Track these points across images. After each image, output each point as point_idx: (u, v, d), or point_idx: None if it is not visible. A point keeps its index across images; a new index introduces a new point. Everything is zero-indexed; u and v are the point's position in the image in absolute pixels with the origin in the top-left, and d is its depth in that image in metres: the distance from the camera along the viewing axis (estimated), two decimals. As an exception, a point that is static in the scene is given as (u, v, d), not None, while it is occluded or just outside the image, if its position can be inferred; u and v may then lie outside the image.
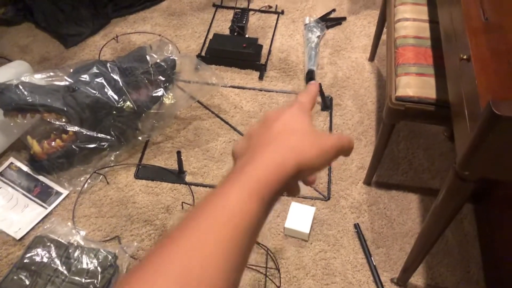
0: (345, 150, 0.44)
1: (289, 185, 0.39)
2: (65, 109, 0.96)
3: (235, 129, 1.14)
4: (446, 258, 0.93)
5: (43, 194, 0.99)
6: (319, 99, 1.18)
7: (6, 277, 0.84)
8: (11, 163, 1.04)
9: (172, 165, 1.06)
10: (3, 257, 0.90)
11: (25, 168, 1.03)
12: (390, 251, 0.94)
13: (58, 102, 0.97)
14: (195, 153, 1.09)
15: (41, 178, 1.01)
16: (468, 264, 0.92)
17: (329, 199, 1.01)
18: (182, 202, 0.98)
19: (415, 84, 0.84)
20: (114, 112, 1.00)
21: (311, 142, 0.42)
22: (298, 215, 0.95)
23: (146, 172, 1.05)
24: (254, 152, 0.40)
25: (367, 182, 1.04)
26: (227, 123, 1.15)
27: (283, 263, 0.91)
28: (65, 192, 0.99)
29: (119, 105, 0.99)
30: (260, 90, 1.23)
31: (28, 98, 0.95)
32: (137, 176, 1.04)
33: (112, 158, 1.06)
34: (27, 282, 0.82)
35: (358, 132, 1.14)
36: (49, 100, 0.96)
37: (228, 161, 1.08)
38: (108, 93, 0.99)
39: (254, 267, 0.89)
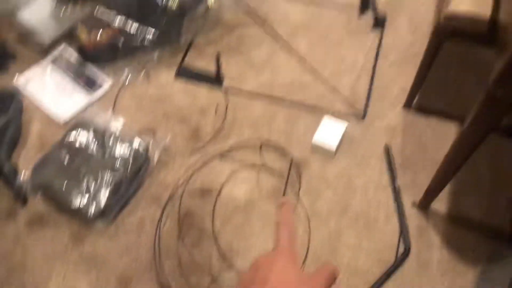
0: (332, 283, 0.45)
1: None
2: (111, 4, 0.99)
3: (279, 39, 1.12)
4: (475, 190, 0.90)
5: (89, 83, 1.04)
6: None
7: (48, 154, 0.91)
8: (63, 50, 1.09)
9: (212, 69, 1.07)
10: (48, 137, 0.97)
11: (74, 57, 1.08)
12: (417, 176, 0.92)
13: (105, -7, 0.99)
14: (236, 59, 1.09)
15: (88, 67, 1.06)
16: (496, 201, 0.89)
17: (364, 118, 0.99)
18: (217, 105, 1.00)
19: (469, 1, 0.77)
20: (160, 10, 1.00)
21: None
22: (328, 130, 0.95)
23: (186, 73, 1.07)
24: None
25: (407, 105, 1.00)
26: (272, 32, 1.13)
27: (305, 174, 0.92)
28: (108, 84, 1.04)
29: (164, 3, 1.00)
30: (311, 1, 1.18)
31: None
32: (177, 76, 1.06)
33: (155, 57, 1.08)
34: (66, 160, 0.89)
35: (407, 54, 1.08)
36: (97, -9, 0.98)
37: (268, 70, 1.07)
38: (155, -11, 0.99)
39: (276, 173, 0.91)
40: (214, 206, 0.88)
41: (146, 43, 1.03)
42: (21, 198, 0.87)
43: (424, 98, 1.01)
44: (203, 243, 0.85)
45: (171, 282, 0.80)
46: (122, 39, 1.02)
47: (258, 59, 1.09)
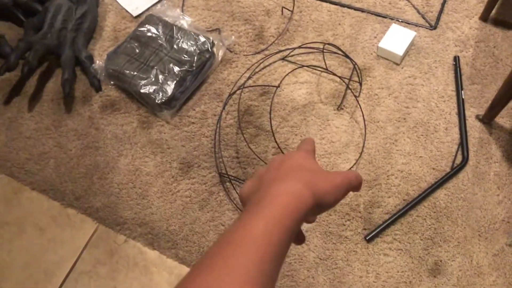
0: (354, 186, 0.43)
1: (307, 217, 0.39)
2: None
3: None
4: (547, 108, 0.85)
5: (160, -19, 1.06)
6: None
7: (121, 44, 0.96)
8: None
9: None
10: (121, 29, 1.02)
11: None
12: (484, 89, 0.88)
13: None
14: (306, -37, 1.06)
15: (159, -34, 1.08)
16: None
17: (435, 28, 0.95)
18: (282, 7, 1.00)
19: None
20: None
21: (323, 178, 0.41)
22: (396, 37, 0.92)
23: (254, -25, 1.06)
24: (269, 186, 0.40)
25: (484, 17, 0.94)
26: None
27: (367, 80, 0.91)
28: (178, -18, 1.06)
29: None
30: None
31: None
32: (246, -23, 1.06)
33: (225, -43, 1.07)
34: (137, 51, 0.94)
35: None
36: None
37: (337, -25, 1.03)
38: None
39: (337, 77, 0.91)
40: (272, 105, 0.91)
41: None
42: (96, 84, 0.93)
43: (503, 10, 0.95)
44: (260, 138, 0.88)
45: (228, 170, 0.85)
46: None
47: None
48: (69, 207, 0.87)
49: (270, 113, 0.88)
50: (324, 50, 0.94)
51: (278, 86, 0.87)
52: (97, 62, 0.94)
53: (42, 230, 0.86)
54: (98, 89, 0.94)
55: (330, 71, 0.90)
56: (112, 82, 0.95)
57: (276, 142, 0.86)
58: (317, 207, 0.40)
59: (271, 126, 0.87)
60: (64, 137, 0.92)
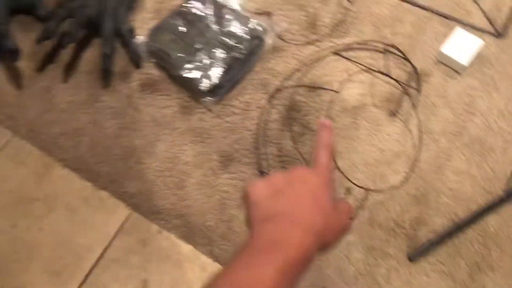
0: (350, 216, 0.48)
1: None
2: None
3: None
4: None
5: (209, -48, 0.98)
6: None
7: (165, 20, 0.90)
8: None
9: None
10: (165, 1, 0.96)
11: None
12: (549, 111, 0.84)
13: None
14: None
15: None
16: None
17: (502, 36, 0.89)
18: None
19: None
20: None
21: (333, 225, 0.44)
22: (460, 43, 0.86)
23: (312, -45, 0.98)
24: (283, 230, 0.40)
25: (556, 30, 0.88)
26: None
27: (424, 87, 0.86)
28: (229, -45, 0.98)
29: None
30: None
31: None
32: (302, -43, 0.98)
33: None
34: (182, 29, 0.88)
35: None
36: None
37: (402, -35, 0.96)
38: None
39: (393, 80, 0.86)
40: (321, 103, 0.86)
41: None
42: (136, 60, 0.88)
43: None
44: (306, 138, 0.84)
45: (269, 168, 0.82)
46: None
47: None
48: (102, 189, 0.84)
49: (319, 113, 0.83)
50: (385, 52, 0.88)
51: (337, 92, 0.82)
52: (140, 37, 0.89)
53: (72, 211, 0.83)
54: (138, 66, 0.89)
55: (391, 77, 0.85)
56: (153, 60, 0.90)
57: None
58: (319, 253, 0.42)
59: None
60: (100, 114, 0.88)
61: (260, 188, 0.44)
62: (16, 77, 0.91)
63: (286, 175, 0.47)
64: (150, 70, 0.90)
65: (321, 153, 0.50)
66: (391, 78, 0.85)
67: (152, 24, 0.93)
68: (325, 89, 0.85)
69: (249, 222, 0.45)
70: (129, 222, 0.82)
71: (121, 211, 0.82)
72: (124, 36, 0.88)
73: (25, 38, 0.94)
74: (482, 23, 0.91)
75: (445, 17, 0.91)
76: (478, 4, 0.92)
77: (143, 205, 0.82)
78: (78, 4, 0.86)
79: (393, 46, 0.87)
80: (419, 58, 0.88)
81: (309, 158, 0.83)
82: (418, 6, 0.92)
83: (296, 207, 0.42)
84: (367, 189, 0.78)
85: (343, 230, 0.45)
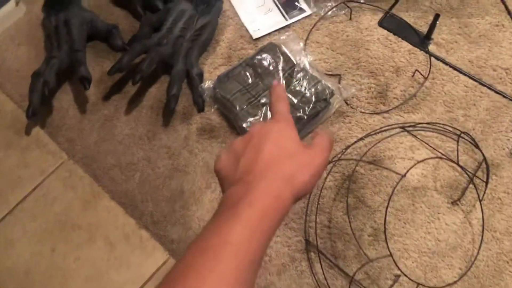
0: (330, 152, 0.43)
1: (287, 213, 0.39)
2: None
3: (509, 12, 0.95)
4: None
5: (288, 5, 0.98)
6: None
7: (235, 68, 0.90)
8: (271, -38, 1.03)
9: (422, 26, 0.95)
10: (237, 49, 0.95)
11: (281, -27, 1.02)
12: None
13: None
14: (451, 23, 0.95)
15: (292, -12, 1.00)
16: None
17: None
18: (416, 70, 0.90)
19: None
20: None
21: (304, 165, 0.40)
22: (539, 140, 0.81)
23: (391, 23, 0.96)
24: (247, 185, 0.38)
25: None
26: (503, 2, 0.96)
27: (493, 179, 0.81)
28: (308, 11, 0.97)
29: None
30: None
31: None
32: (381, 24, 0.96)
33: (364, -5, 0.98)
34: (250, 81, 0.87)
35: None
36: None
37: (484, 46, 0.92)
38: None
39: (460, 167, 0.82)
40: (380, 178, 0.82)
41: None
42: (200, 104, 0.88)
43: None
44: (359, 213, 0.80)
45: (317, 239, 0.79)
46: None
47: (477, 29, 0.94)
48: (144, 228, 0.83)
49: (386, 210, 0.80)
50: (459, 137, 0.83)
51: (404, 176, 0.78)
52: (207, 82, 0.88)
53: (111, 245, 0.82)
54: (201, 109, 0.88)
55: (459, 164, 0.80)
56: (216, 106, 0.89)
57: (373, 226, 0.78)
58: (296, 200, 0.40)
59: (385, 223, 0.80)
60: (155, 152, 0.88)
61: (223, 160, 0.43)
62: (81, 102, 0.92)
63: (244, 137, 0.45)
64: (212, 115, 0.90)
65: (277, 104, 0.48)
66: (458, 165, 0.81)
67: (221, 70, 0.93)
68: (390, 170, 0.81)
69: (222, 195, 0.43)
70: (165, 267, 0.80)
71: (159, 255, 0.81)
72: (193, 79, 0.88)
73: (96, 64, 0.96)
74: None
75: (525, 108, 0.86)
76: (562, 100, 0.87)
77: (183, 252, 0.80)
78: (154, 42, 0.87)
79: (465, 133, 0.83)
80: (491, 147, 0.84)
81: (359, 234, 0.79)
82: (496, 92, 0.88)
83: (259, 161, 0.40)
84: (418, 283, 0.73)
85: (319, 167, 0.41)
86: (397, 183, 0.80)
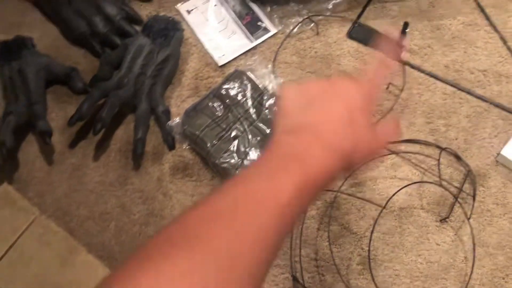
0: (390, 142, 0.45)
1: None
2: None
3: (482, 10, 0.91)
4: None
5: (252, 26, 0.94)
6: None
7: (202, 100, 0.86)
8: (230, -18, 0.99)
9: (392, 34, 0.91)
10: (203, 78, 0.91)
11: (241, -8, 0.97)
12: None
13: None
14: (423, 26, 0.91)
15: (254, 7, 0.95)
16: None
17: None
18: (390, 83, 0.86)
19: None
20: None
21: (365, 146, 0.39)
22: (523, 146, 0.77)
23: (360, 33, 0.92)
24: (307, 143, 0.36)
25: None
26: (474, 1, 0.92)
27: (480, 191, 0.78)
28: (273, 30, 0.93)
29: None
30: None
31: None
32: (350, 35, 0.92)
33: (330, 6, 0.94)
34: (219, 113, 0.83)
35: None
36: None
37: (459, 48, 0.88)
38: None
39: (446, 182, 0.78)
40: (363, 202, 0.79)
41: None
42: (170, 142, 0.84)
43: None
44: (345, 241, 0.77)
45: (304, 274, 0.75)
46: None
47: (449, 31, 0.90)
48: (125, 281, 0.79)
49: (370, 239, 0.76)
50: (440, 153, 0.80)
51: (384, 207, 0.75)
52: (176, 119, 0.85)
53: (94, 302, 0.79)
54: (171, 148, 0.85)
55: (443, 179, 0.77)
56: (187, 143, 0.85)
57: (360, 254, 0.75)
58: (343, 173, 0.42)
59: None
60: (129, 198, 0.84)
61: (291, 93, 0.40)
62: (47, 152, 0.88)
63: (323, 84, 0.41)
64: (184, 152, 0.86)
65: (375, 68, 0.45)
66: (442, 186, 0.77)
67: (189, 102, 0.89)
68: (371, 202, 0.78)
69: (274, 129, 0.40)
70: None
71: (143, 308, 0.78)
72: (159, 117, 0.85)
73: (59, 110, 0.92)
74: (549, 119, 0.82)
75: (507, 110, 0.83)
76: (544, 98, 0.83)
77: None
78: (113, 84, 0.83)
79: (446, 148, 0.79)
80: (476, 157, 0.80)
81: (347, 264, 0.76)
82: (476, 96, 0.84)
83: (327, 125, 0.38)
84: (411, 314, 0.70)
85: (373, 153, 0.42)
86: (378, 215, 0.76)
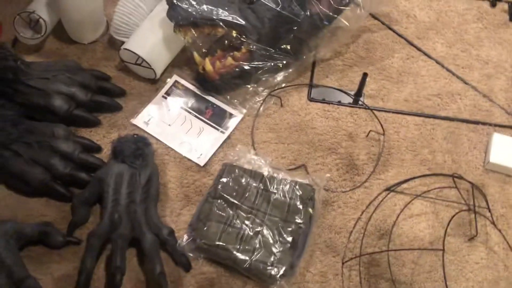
0: None
1: None
2: (244, 23, 0.86)
3: (411, 44, 1.01)
4: None
5: (217, 117, 0.92)
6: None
7: (202, 207, 0.81)
8: (176, 81, 0.96)
9: (347, 86, 0.96)
10: (190, 183, 0.86)
11: (191, 87, 0.95)
12: None
13: (235, 15, 0.86)
14: (370, 71, 0.97)
15: (210, 99, 0.94)
16: None
17: (531, 129, 0.91)
18: (370, 130, 0.90)
19: None
20: (295, 27, 0.88)
21: None
22: (504, 148, 0.86)
23: (319, 94, 0.96)
24: None
25: None
26: (401, 36, 1.02)
27: (488, 200, 0.84)
28: (239, 115, 0.92)
29: (301, 19, 0.87)
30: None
31: (204, 11, 0.85)
32: (311, 98, 0.95)
33: (281, 78, 0.96)
34: (226, 214, 0.79)
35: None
36: (226, 14, 0.85)
37: (409, 81, 0.96)
38: (292, 5, 0.86)
39: (455, 204, 0.83)
40: (395, 248, 0.80)
41: (278, 64, 0.92)
42: (185, 262, 0.77)
43: None
44: (399, 293, 0.77)
45: None
46: (253, 63, 0.90)
47: (394, 69, 0.98)
48: None
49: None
50: (453, 179, 0.85)
51: (443, 250, 0.76)
52: (184, 237, 0.78)
53: None
54: (188, 268, 0.77)
55: (442, 196, 0.81)
56: (202, 256, 0.79)
57: (423, 298, 0.75)
58: None
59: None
60: None
61: None
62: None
63: None
64: (202, 267, 0.79)
65: None
66: (449, 199, 0.82)
67: (185, 214, 0.83)
68: (428, 249, 0.79)
69: None
70: None
71: None
72: (166, 241, 0.77)
73: (43, 274, 0.78)
74: (505, 119, 0.92)
75: (473, 122, 0.91)
76: (494, 102, 0.94)
77: None
78: (107, 227, 0.74)
79: (454, 175, 0.85)
80: (467, 171, 0.87)
81: (412, 316, 0.75)
82: (441, 119, 0.92)
83: None
84: None
85: None
86: (442, 260, 0.78)
